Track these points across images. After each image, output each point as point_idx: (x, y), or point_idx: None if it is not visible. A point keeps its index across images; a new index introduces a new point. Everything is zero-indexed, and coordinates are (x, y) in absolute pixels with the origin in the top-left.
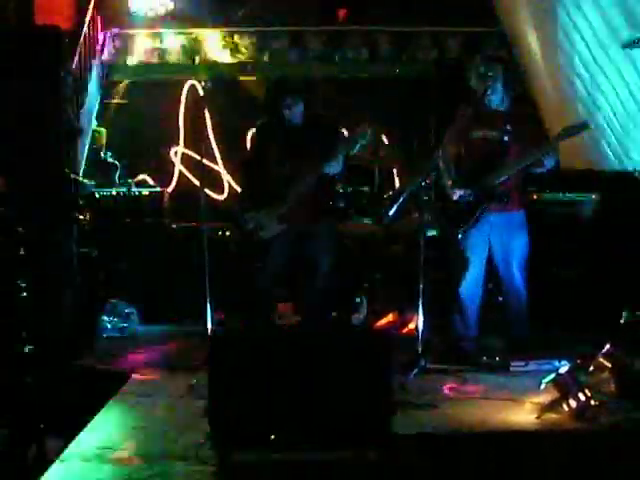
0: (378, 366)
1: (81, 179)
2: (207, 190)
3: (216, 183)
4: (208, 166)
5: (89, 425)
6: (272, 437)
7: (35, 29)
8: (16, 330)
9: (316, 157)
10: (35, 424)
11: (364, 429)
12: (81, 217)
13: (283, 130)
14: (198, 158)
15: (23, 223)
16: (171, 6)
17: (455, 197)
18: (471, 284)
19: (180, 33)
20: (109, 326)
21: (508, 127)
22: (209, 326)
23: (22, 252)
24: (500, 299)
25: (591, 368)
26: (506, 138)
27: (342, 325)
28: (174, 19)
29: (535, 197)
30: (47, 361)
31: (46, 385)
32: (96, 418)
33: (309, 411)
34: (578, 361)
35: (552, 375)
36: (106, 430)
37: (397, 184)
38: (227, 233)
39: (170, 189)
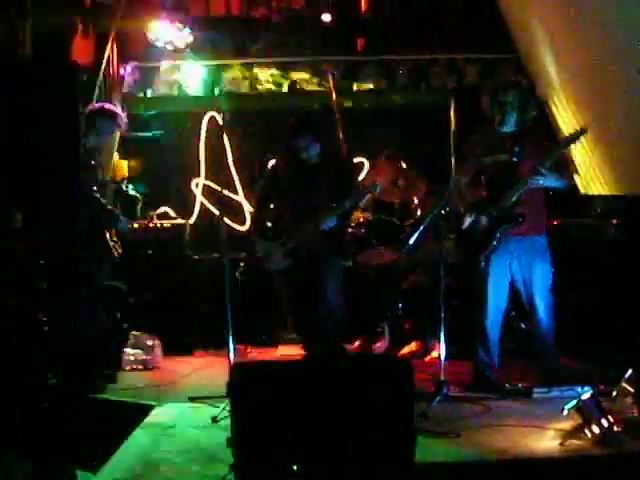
0: (399, 394)
1: (117, 212)
2: (228, 221)
3: (237, 214)
4: (229, 197)
5: (112, 457)
6: (295, 467)
7: (50, 63)
8: (39, 362)
9: (327, 199)
10: (58, 456)
11: (386, 458)
12: (115, 251)
13: (298, 167)
14: (219, 189)
15: (45, 256)
16: (190, 38)
17: (465, 225)
18: (492, 312)
19: (199, 65)
20: (132, 358)
21: (517, 148)
22: (231, 356)
23: (43, 285)
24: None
25: (614, 394)
26: (515, 159)
27: (362, 354)
28: (193, 51)
29: (556, 222)
30: (70, 393)
31: (69, 417)
32: (119, 450)
33: (331, 441)
34: (601, 387)
35: (574, 401)
36: (128, 462)
37: (418, 213)
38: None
39: (191, 221)
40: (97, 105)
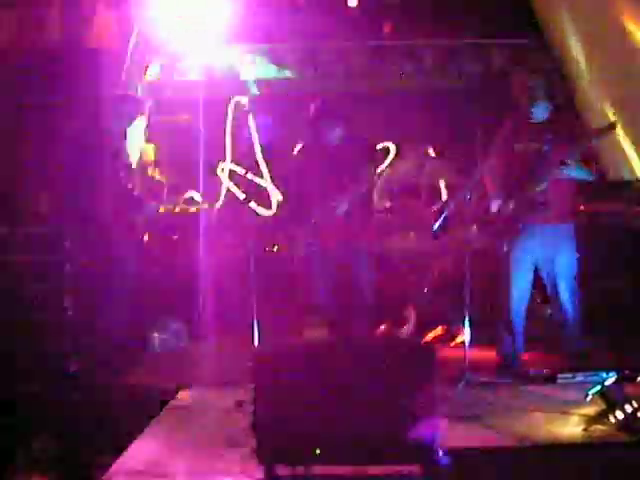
0: (422, 379)
1: (140, 200)
2: (254, 206)
3: (263, 199)
4: (255, 182)
5: (135, 441)
6: (317, 452)
7: (75, 50)
8: (64, 347)
9: (346, 182)
10: (83, 441)
11: (408, 443)
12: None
13: (321, 151)
14: (244, 174)
15: (71, 240)
16: (217, 24)
17: (494, 209)
18: (517, 298)
19: (226, 50)
20: (158, 342)
21: (548, 136)
22: (256, 340)
23: (68, 268)
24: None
25: (639, 379)
26: (546, 148)
27: (387, 338)
28: (218, 37)
29: (582, 208)
30: (95, 378)
31: (94, 402)
32: (143, 434)
33: (353, 425)
34: (626, 372)
35: (598, 387)
36: (152, 446)
37: (444, 198)
38: (275, 248)
39: (218, 205)
40: (121, 91)
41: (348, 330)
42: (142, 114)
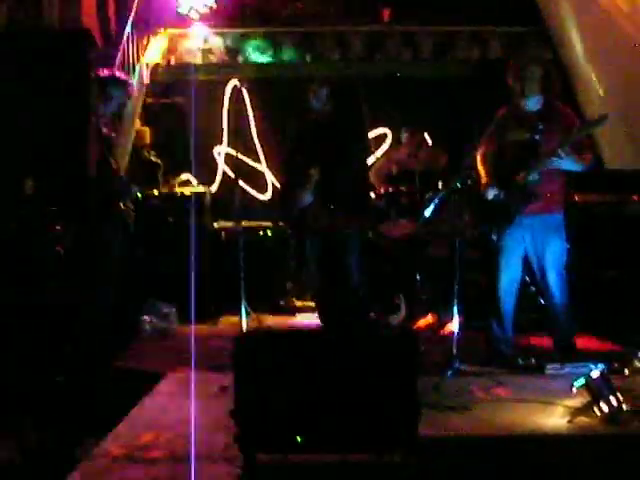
0: (404, 366)
1: (125, 179)
2: (250, 189)
3: (259, 182)
4: (251, 166)
5: (119, 425)
6: (298, 439)
7: (63, 31)
8: (52, 330)
9: (331, 158)
10: (69, 424)
11: (390, 431)
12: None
13: (312, 126)
14: (239, 157)
15: (60, 222)
16: (215, 6)
17: (489, 197)
18: (506, 286)
19: (223, 33)
20: (147, 326)
21: (540, 126)
22: (244, 324)
23: (59, 250)
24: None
25: (626, 372)
26: (537, 137)
27: (368, 325)
28: (217, 19)
29: (577, 198)
30: (83, 361)
31: (81, 384)
32: (126, 418)
33: (335, 413)
34: (615, 364)
35: (583, 379)
36: (135, 429)
37: (440, 185)
38: (269, 233)
39: (213, 189)
40: (107, 72)
41: (337, 315)
42: (130, 96)
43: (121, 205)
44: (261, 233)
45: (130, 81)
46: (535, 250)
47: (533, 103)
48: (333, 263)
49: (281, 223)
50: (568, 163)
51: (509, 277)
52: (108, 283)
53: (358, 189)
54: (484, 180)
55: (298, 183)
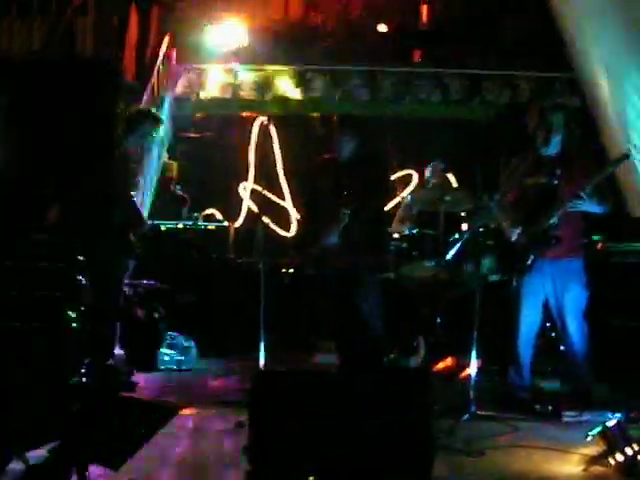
0: (419, 408)
1: (142, 217)
2: (274, 226)
3: (284, 219)
4: (276, 203)
5: (132, 456)
6: (311, 478)
7: (92, 62)
8: (66, 360)
9: (353, 199)
10: (81, 455)
11: (404, 472)
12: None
13: (335, 167)
14: (266, 194)
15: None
16: (245, 42)
17: (514, 237)
18: (525, 332)
19: (253, 69)
20: (167, 359)
21: (557, 171)
22: (261, 362)
23: (81, 280)
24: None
25: None
26: (555, 182)
27: (384, 370)
28: (248, 55)
29: (600, 246)
30: (97, 392)
31: (95, 416)
32: (141, 450)
33: (349, 453)
34: (631, 414)
35: (599, 427)
36: (148, 462)
37: (464, 227)
38: (291, 270)
39: (237, 224)
40: (141, 107)
41: (354, 357)
42: (156, 130)
43: (131, 236)
44: (283, 270)
45: (157, 115)
46: (555, 296)
47: (552, 148)
48: (349, 302)
49: (298, 259)
50: (590, 205)
51: (528, 323)
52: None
53: (377, 230)
54: (507, 222)
55: (326, 222)
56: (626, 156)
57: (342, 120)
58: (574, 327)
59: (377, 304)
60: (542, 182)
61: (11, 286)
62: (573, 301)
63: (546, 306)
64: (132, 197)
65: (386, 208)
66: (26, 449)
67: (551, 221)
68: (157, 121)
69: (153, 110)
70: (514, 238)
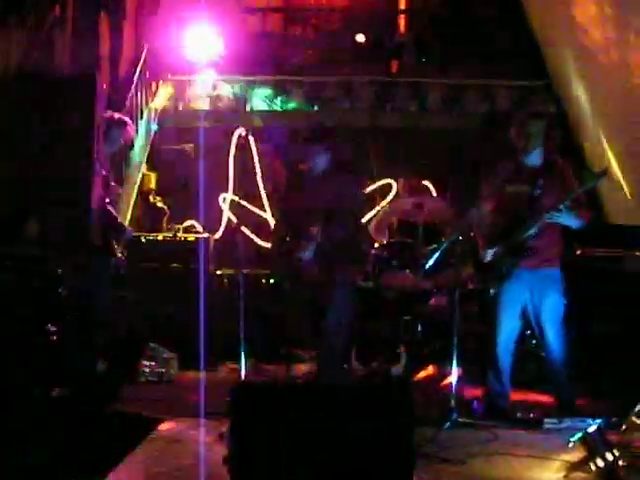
0: (400, 417)
1: (122, 226)
2: (254, 237)
3: (264, 230)
4: (256, 213)
5: (114, 471)
6: None
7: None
8: (47, 372)
9: (323, 212)
10: (63, 468)
11: None
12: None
13: (306, 178)
14: (244, 204)
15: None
16: (224, 54)
17: (487, 258)
18: (504, 340)
19: (232, 81)
20: (147, 370)
21: (540, 182)
22: (242, 373)
23: (60, 293)
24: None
25: (623, 427)
26: (537, 192)
27: (364, 376)
28: (226, 67)
29: (579, 252)
30: (78, 404)
31: (75, 427)
32: (122, 464)
33: (329, 462)
34: (613, 419)
35: (580, 434)
36: (130, 474)
37: (443, 237)
38: (271, 281)
39: (217, 235)
40: (109, 113)
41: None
42: (130, 138)
43: (114, 245)
44: (263, 281)
45: (129, 122)
46: (533, 304)
47: (534, 157)
48: (319, 314)
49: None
50: (568, 218)
51: (507, 331)
52: (103, 327)
53: (351, 247)
54: (482, 241)
55: (298, 236)
56: (605, 172)
57: (314, 132)
58: (552, 334)
59: (346, 321)
60: (524, 191)
61: None
62: (551, 309)
63: (525, 314)
64: (109, 207)
65: (363, 220)
66: None
67: (529, 232)
68: (124, 125)
69: (117, 115)
70: (488, 259)
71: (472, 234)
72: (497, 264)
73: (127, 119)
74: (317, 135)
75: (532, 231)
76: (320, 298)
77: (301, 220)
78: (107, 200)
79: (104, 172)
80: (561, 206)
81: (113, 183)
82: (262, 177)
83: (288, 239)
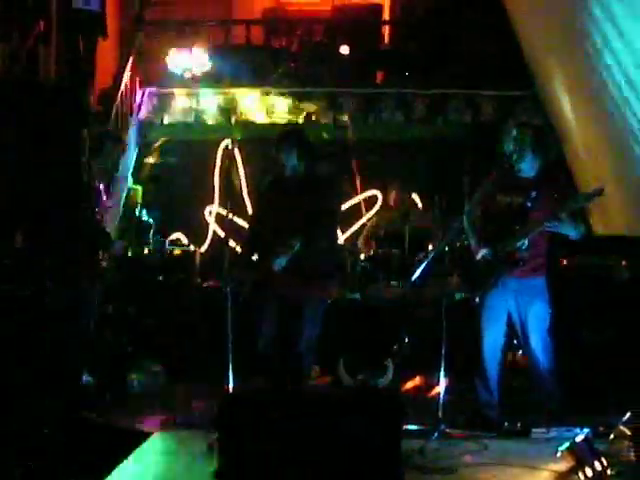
0: (387, 428)
1: (110, 237)
2: (240, 249)
3: None
4: (242, 226)
5: None
6: None
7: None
8: (36, 384)
9: (303, 222)
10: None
11: None
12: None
13: (279, 185)
14: (230, 216)
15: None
16: (208, 66)
17: (478, 256)
18: (490, 349)
19: (216, 93)
20: (135, 383)
21: (533, 194)
22: (230, 385)
23: (50, 306)
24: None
25: (611, 436)
26: (529, 204)
27: (350, 387)
28: (211, 79)
29: (565, 262)
30: (66, 417)
31: (65, 440)
32: (112, 475)
33: (317, 473)
34: (600, 429)
35: (568, 443)
36: None
37: (429, 247)
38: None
39: (203, 248)
40: (103, 128)
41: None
42: (123, 152)
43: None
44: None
45: (117, 134)
46: (518, 312)
47: (528, 168)
48: (289, 329)
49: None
50: (566, 227)
51: (493, 340)
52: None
53: (327, 261)
54: (473, 239)
55: (275, 247)
56: (601, 190)
57: (281, 133)
58: (538, 343)
59: (315, 335)
60: (516, 202)
61: None
62: (536, 318)
63: (511, 323)
64: (97, 219)
65: (339, 234)
66: None
67: (520, 243)
68: (118, 141)
69: (111, 130)
70: (479, 257)
71: (458, 243)
72: (486, 273)
73: (121, 134)
74: (283, 135)
75: (524, 242)
76: (290, 315)
77: (278, 225)
78: (98, 215)
79: (96, 185)
80: (560, 215)
81: (105, 197)
82: (248, 190)
83: (260, 245)
